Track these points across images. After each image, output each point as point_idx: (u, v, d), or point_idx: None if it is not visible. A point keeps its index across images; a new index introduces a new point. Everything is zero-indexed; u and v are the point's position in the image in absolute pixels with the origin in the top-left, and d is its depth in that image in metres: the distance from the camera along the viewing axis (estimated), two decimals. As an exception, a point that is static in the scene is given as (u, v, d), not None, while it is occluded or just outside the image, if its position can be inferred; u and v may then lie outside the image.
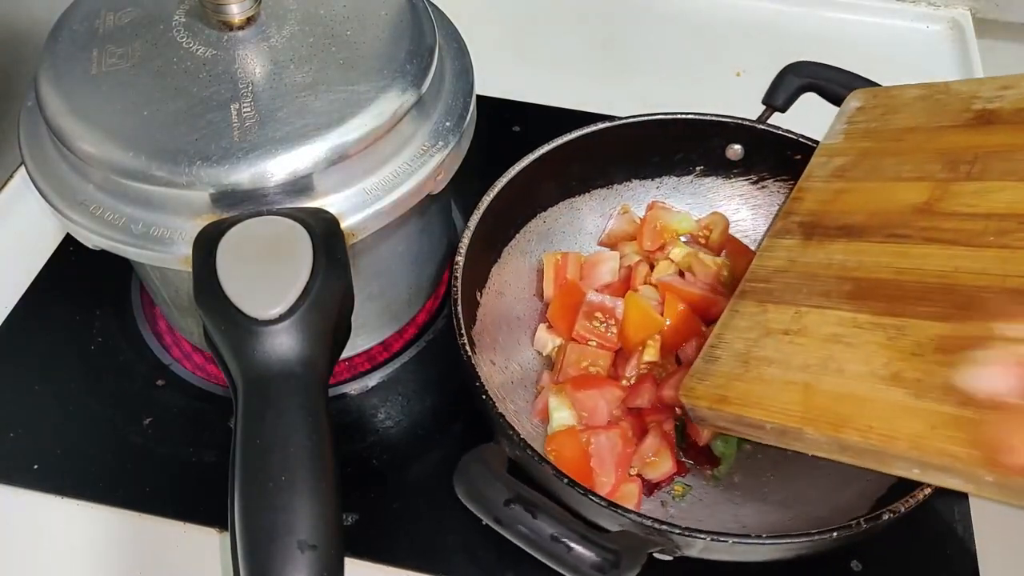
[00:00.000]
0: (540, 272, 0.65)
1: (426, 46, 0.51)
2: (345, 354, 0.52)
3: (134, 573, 0.55)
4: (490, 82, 0.67)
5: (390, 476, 0.59)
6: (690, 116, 0.64)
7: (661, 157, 0.66)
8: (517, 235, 0.65)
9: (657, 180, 0.67)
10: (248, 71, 0.48)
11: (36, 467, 0.58)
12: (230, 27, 0.49)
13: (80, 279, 0.69)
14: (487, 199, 0.59)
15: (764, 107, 0.65)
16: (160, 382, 0.63)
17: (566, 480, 0.46)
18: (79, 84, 0.48)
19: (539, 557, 0.42)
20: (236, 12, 0.49)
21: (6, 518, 0.57)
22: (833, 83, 0.63)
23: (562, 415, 0.57)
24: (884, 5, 0.95)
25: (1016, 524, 0.57)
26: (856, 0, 0.96)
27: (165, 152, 0.45)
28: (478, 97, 0.55)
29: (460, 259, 0.56)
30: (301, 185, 0.46)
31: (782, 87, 0.64)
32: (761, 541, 0.44)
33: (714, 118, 0.64)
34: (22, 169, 0.67)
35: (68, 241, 0.71)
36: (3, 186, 0.75)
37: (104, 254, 0.48)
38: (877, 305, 0.46)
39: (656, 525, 0.44)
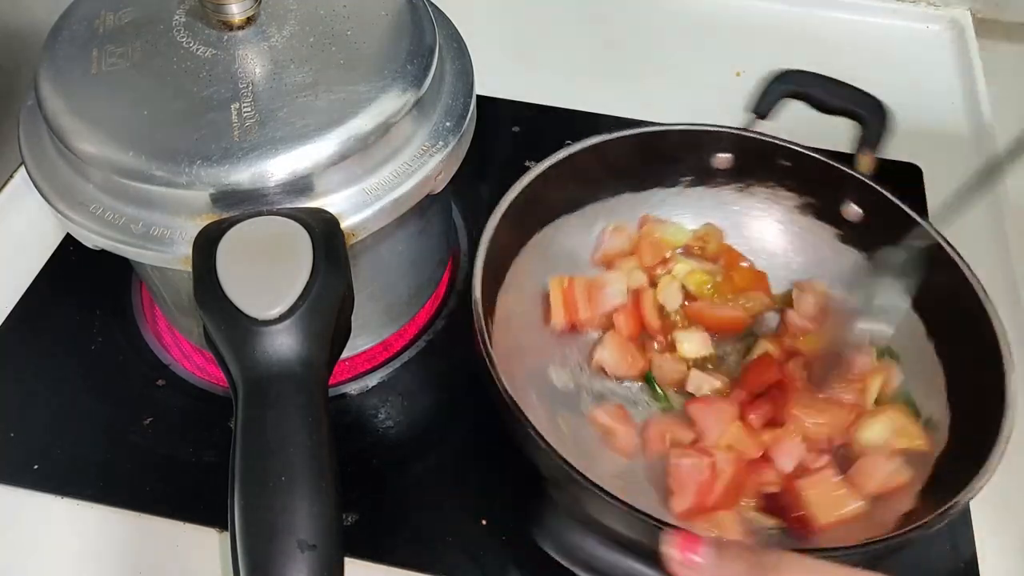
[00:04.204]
0: (545, 297, 0.62)
1: (426, 46, 0.51)
2: (345, 354, 0.52)
3: (134, 573, 0.55)
4: (490, 82, 0.67)
5: (390, 476, 0.59)
6: (682, 127, 0.63)
7: (650, 169, 0.66)
8: (514, 261, 0.61)
9: (647, 192, 0.67)
10: (248, 71, 0.48)
11: (36, 467, 0.58)
12: (230, 27, 0.49)
13: (80, 279, 0.69)
14: (486, 236, 0.56)
15: (751, 114, 0.65)
16: (160, 382, 0.63)
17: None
18: (79, 84, 0.48)
19: None
20: (236, 12, 0.49)
21: (6, 518, 0.57)
22: (818, 90, 0.63)
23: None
24: (884, 5, 0.95)
25: (1016, 524, 0.57)
26: (856, 0, 0.96)
27: (165, 152, 0.45)
28: (478, 97, 0.55)
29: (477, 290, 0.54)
30: (301, 185, 0.46)
31: (768, 95, 0.64)
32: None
33: (704, 128, 0.63)
34: (22, 169, 0.66)
35: (68, 241, 0.71)
36: (3, 186, 0.75)
37: (104, 254, 0.48)
38: None
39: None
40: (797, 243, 0.66)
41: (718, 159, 0.65)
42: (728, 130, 0.64)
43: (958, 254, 0.57)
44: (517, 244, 0.61)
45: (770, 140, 0.63)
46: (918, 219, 0.59)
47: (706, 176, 0.66)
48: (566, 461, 0.46)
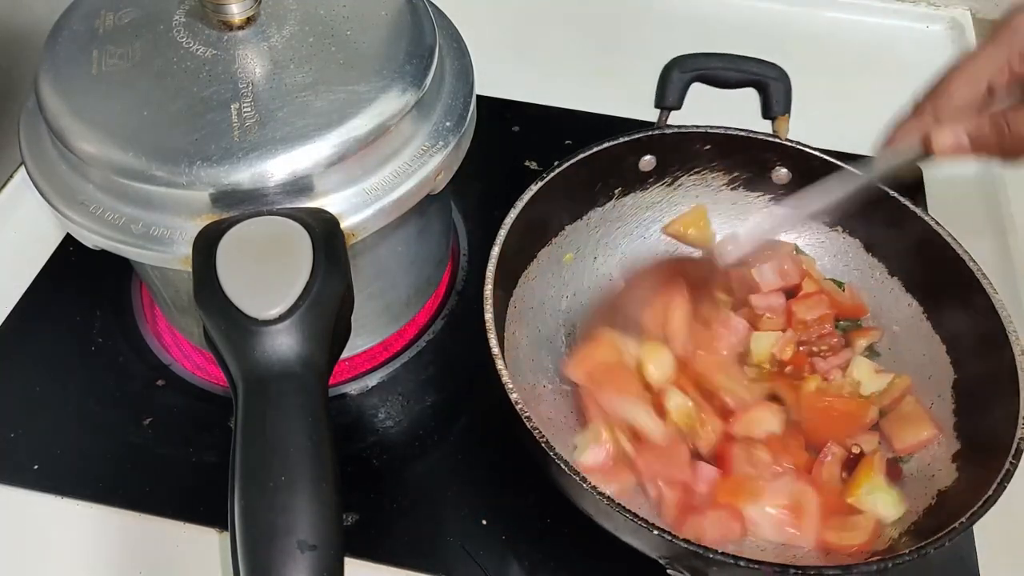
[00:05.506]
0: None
1: (426, 46, 0.51)
2: (345, 354, 0.52)
3: (134, 573, 0.55)
4: (490, 82, 0.67)
5: (390, 476, 0.59)
6: (600, 148, 0.62)
7: (584, 194, 0.65)
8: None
9: (585, 217, 0.66)
10: (248, 71, 0.48)
11: (36, 467, 0.58)
12: (230, 27, 0.49)
13: (80, 279, 0.69)
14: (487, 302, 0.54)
15: (659, 111, 0.64)
16: (160, 382, 0.63)
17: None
18: (79, 84, 0.48)
19: None
20: (236, 12, 0.49)
21: (6, 518, 0.57)
22: (716, 67, 0.63)
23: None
24: (884, 5, 0.95)
25: (1016, 525, 0.57)
26: (856, 0, 0.96)
27: (165, 152, 0.45)
28: (478, 97, 0.55)
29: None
30: (301, 185, 0.46)
31: (670, 86, 0.64)
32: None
33: (622, 141, 0.63)
34: (22, 169, 0.66)
35: (68, 241, 0.71)
36: (3, 186, 0.75)
37: (104, 254, 0.48)
38: None
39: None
40: (733, 218, 0.69)
41: (643, 162, 0.65)
42: (646, 134, 0.63)
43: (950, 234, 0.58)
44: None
45: (684, 131, 0.64)
46: (845, 166, 0.60)
47: (635, 183, 0.66)
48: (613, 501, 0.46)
